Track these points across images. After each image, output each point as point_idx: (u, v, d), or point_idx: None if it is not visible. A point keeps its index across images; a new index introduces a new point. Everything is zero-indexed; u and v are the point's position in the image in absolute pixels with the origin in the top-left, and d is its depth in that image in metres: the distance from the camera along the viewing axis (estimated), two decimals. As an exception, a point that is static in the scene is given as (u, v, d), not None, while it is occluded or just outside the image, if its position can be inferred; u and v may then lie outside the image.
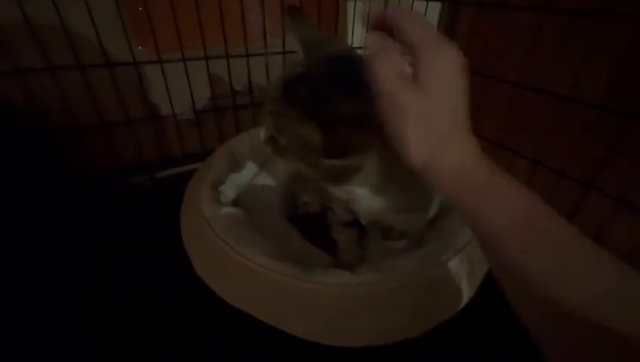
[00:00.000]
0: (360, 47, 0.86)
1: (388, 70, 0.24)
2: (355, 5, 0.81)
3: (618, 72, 0.51)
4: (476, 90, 0.69)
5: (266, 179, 0.70)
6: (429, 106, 0.24)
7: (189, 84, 0.70)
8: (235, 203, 0.63)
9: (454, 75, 0.24)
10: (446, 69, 0.24)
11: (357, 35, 0.85)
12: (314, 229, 0.57)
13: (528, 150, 0.61)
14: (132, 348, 0.44)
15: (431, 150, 0.24)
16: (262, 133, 0.36)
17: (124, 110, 0.67)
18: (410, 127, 0.24)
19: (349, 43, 0.84)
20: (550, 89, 0.55)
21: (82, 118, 0.64)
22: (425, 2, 0.71)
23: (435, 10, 0.72)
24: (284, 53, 0.75)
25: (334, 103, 0.29)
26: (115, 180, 0.71)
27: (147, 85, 0.69)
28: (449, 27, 0.77)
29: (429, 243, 0.50)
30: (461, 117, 0.25)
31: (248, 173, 0.65)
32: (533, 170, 0.60)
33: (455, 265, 0.44)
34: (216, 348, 0.45)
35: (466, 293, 0.45)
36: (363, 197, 0.42)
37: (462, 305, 0.44)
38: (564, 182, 0.56)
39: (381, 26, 0.26)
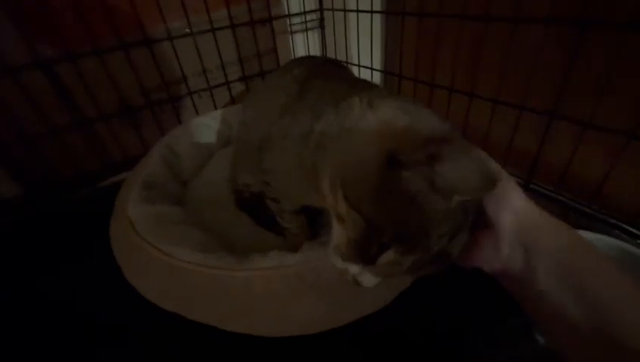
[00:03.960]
0: (298, 14, 0.79)
1: None
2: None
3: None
4: (426, 34, 0.63)
5: (212, 171, 0.64)
6: None
7: (112, 81, 0.63)
8: (180, 199, 0.58)
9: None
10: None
11: (293, 2, 0.78)
12: (265, 212, 0.52)
13: (486, 91, 0.55)
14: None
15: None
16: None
17: (45, 119, 0.60)
18: None
19: (286, 11, 0.77)
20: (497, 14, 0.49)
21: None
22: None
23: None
24: (212, 30, 0.68)
25: None
26: (54, 196, 0.65)
27: (65, 89, 0.62)
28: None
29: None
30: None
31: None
32: (493, 107, 0.54)
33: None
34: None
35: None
36: None
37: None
38: (527, 116, 0.50)
39: None
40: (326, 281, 0.35)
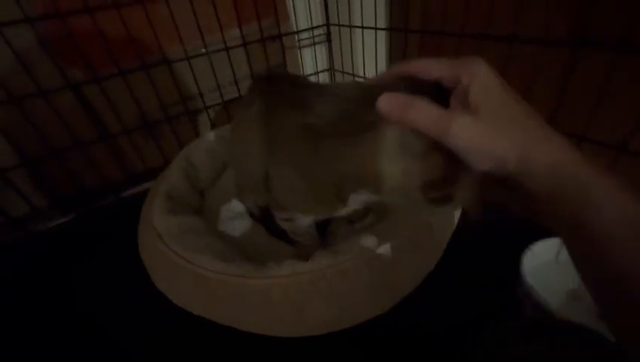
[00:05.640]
0: (306, 30, 0.83)
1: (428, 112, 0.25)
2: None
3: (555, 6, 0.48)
4: (428, 49, 0.66)
5: (228, 182, 0.68)
6: (500, 114, 0.24)
7: (134, 97, 0.68)
8: (199, 210, 0.62)
9: (497, 85, 0.25)
10: (489, 83, 0.25)
11: (301, 19, 0.82)
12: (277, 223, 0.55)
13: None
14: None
15: (523, 149, 0.23)
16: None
17: (72, 135, 0.65)
18: (489, 135, 0.24)
19: (294, 28, 0.81)
20: (495, 33, 0.52)
21: (30, 150, 0.63)
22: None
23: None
24: (226, 49, 0.73)
25: None
26: (79, 204, 0.70)
27: (92, 106, 0.67)
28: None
29: (390, 216, 0.48)
30: (534, 114, 0.25)
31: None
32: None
33: (413, 236, 0.42)
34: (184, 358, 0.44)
35: (427, 264, 0.43)
36: None
37: (424, 276, 0.42)
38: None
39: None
40: (335, 287, 0.39)
